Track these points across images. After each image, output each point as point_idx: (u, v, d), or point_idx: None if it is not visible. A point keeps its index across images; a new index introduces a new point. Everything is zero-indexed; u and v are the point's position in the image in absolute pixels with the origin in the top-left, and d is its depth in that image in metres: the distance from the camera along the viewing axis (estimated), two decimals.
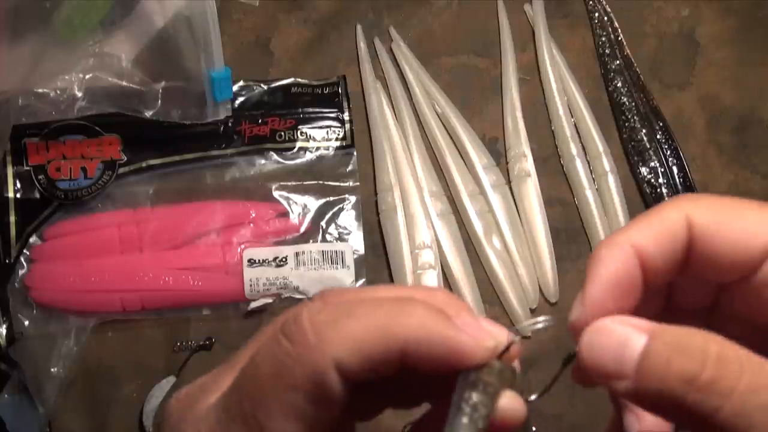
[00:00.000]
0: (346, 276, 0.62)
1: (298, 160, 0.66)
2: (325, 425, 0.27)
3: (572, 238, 0.65)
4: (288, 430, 0.27)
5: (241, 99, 0.66)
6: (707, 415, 0.24)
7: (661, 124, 0.68)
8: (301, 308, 0.28)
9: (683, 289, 0.31)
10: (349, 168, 0.66)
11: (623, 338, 0.26)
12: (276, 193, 0.64)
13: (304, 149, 0.66)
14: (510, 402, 0.27)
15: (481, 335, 0.28)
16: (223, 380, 0.30)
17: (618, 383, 0.25)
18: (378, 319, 0.27)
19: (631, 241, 0.28)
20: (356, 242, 0.64)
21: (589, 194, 0.65)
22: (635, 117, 0.68)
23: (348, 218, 0.65)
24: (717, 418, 0.24)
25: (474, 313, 0.30)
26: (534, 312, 0.63)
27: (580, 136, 0.67)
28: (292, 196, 0.65)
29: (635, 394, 0.25)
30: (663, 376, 0.24)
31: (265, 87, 0.67)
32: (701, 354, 0.24)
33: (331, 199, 0.65)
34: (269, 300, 0.61)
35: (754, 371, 0.24)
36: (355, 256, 0.63)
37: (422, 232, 0.63)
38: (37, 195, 0.62)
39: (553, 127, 0.68)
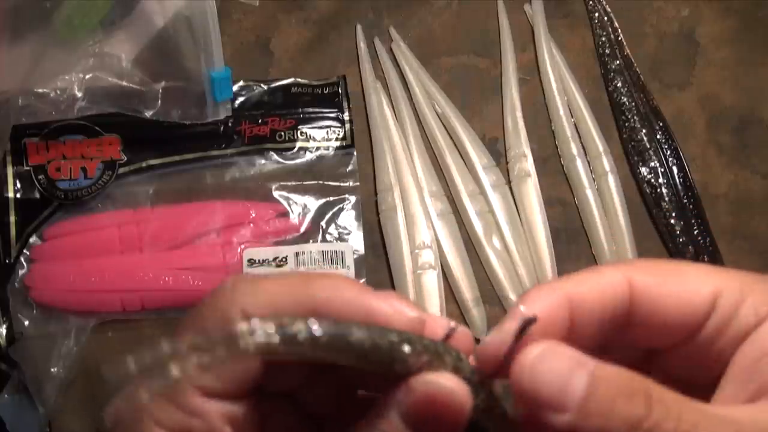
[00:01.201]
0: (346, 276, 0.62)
1: (298, 160, 0.66)
2: (237, 381, 0.28)
3: (572, 238, 0.65)
4: (197, 380, 0.28)
5: (241, 99, 0.66)
6: None
7: (661, 124, 0.68)
8: (226, 279, 0.30)
9: (615, 353, 0.30)
10: (349, 168, 0.66)
11: (568, 369, 0.25)
12: (276, 193, 0.64)
13: (304, 149, 0.66)
14: (441, 379, 0.26)
15: (403, 307, 0.28)
16: None
17: (556, 415, 0.24)
18: (292, 281, 0.28)
19: (566, 290, 0.28)
20: (356, 242, 0.64)
21: (589, 194, 0.65)
22: (635, 117, 0.68)
23: (348, 218, 0.65)
24: None
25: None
26: None
27: (580, 136, 0.67)
28: (292, 196, 0.65)
29: (571, 429, 0.24)
30: (607, 417, 0.24)
31: (265, 87, 0.67)
32: (645, 398, 0.24)
33: (331, 199, 0.65)
34: None
35: (691, 412, 0.25)
36: (355, 256, 0.63)
37: (422, 232, 0.63)
38: (37, 195, 0.62)
39: (553, 127, 0.68)
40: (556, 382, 0.25)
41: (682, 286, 0.28)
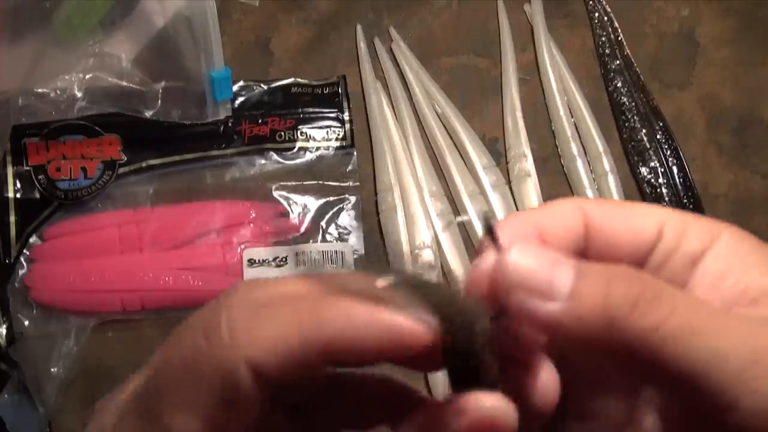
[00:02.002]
0: None
1: (298, 160, 0.66)
2: (232, 429, 0.26)
3: None
4: (189, 428, 0.25)
5: (241, 99, 0.66)
6: (644, 336, 0.23)
7: (661, 124, 0.68)
8: (218, 305, 0.27)
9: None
10: (349, 168, 0.66)
11: (555, 259, 0.24)
12: (276, 193, 0.64)
13: (304, 149, 0.66)
14: (495, 402, 0.25)
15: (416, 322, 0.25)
16: (134, 380, 0.29)
17: (545, 305, 0.23)
18: (297, 317, 0.25)
19: (535, 221, 0.27)
20: (356, 242, 0.64)
21: (590, 194, 0.65)
22: (635, 117, 0.68)
23: (348, 218, 0.65)
24: (655, 336, 0.23)
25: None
26: None
27: (580, 136, 0.67)
28: (292, 196, 0.65)
29: (562, 319, 0.24)
30: (604, 298, 0.24)
31: (265, 87, 0.67)
32: (639, 279, 0.24)
33: (331, 199, 0.65)
34: None
35: (684, 295, 0.25)
36: (355, 256, 0.63)
37: (422, 232, 0.63)
38: (37, 195, 0.62)
39: (553, 127, 0.68)
40: (543, 270, 0.24)
41: (631, 216, 0.28)
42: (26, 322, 0.61)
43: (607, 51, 0.70)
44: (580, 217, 0.27)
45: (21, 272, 0.61)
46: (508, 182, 0.66)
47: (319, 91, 0.67)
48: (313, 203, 0.65)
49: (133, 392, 0.28)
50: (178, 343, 0.27)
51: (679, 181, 0.66)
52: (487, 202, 0.65)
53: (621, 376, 0.28)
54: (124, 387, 0.29)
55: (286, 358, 0.25)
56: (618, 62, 0.69)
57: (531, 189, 0.65)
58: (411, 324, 0.25)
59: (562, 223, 0.27)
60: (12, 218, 0.62)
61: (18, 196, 0.62)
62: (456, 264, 0.64)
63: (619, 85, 0.69)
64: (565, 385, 0.27)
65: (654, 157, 0.67)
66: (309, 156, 0.66)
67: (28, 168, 0.62)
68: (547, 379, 0.26)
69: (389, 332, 0.25)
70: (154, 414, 0.26)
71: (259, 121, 0.66)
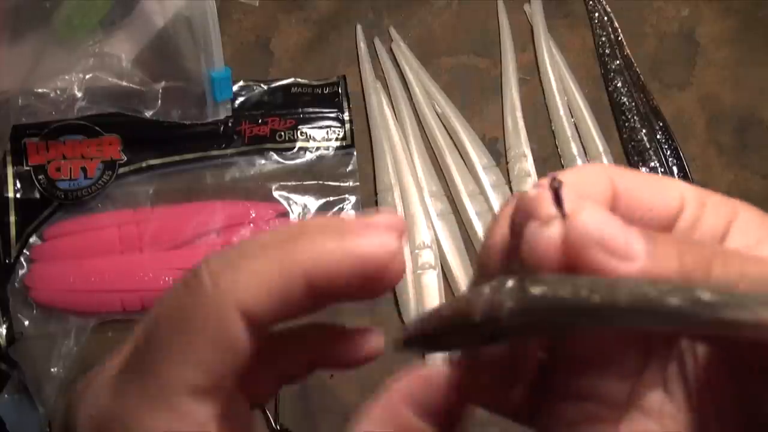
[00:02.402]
0: None
1: (298, 160, 0.66)
2: (228, 377, 0.26)
3: None
4: (189, 380, 0.25)
5: (241, 99, 0.66)
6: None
7: (661, 124, 0.68)
8: (195, 266, 0.27)
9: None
10: (349, 168, 0.66)
11: (622, 222, 0.24)
12: (276, 193, 0.64)
13: (304, 149, 0.66)
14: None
15: (382, 230, 0.26)
16: (122, 351, 0.28)
17: (624, 265, 0.23)
18: (274, 254, 0.26)
19: (571, 182, 0.26)
20: None
21: None
22: (635, 117, 0.68)
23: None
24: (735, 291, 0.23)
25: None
26: None
27: (580, 136, 0.67)
28: (292, 196, 0.65)
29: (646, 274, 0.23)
30: (679, 258, 0.23)
31: (265, 87, 0.67)
32: (704, 244, 0.25)
33: (331, 199, 0.65)
34: None
35: (749, 256, 0.25)
36: None
37: (422, 232, 0.63)
38: (37, 195, 0.62)
39: (553, 127, 0.68)
40: (618, 231, 0.23)
41: (655, 185, 0.28)
42: (26, 322, 0.61)
43: (607, 51, 0.70)
44: (609, 183, 0.27)
45: (21, 272, 0.61)
46: (508, 182, 0.66)
47: (319, 91, 0.67)
48: (313, 203, 0.65)
49: (125, 360, 0.27)
50: (164, 304, 0.27)
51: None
52: (487, 202, 0.65)
53: (626, 354, 0.28)
54: (98, 369, 0.29)
55: (271, 296, 0.25)
56: (618, 62, 0.70)
57: None
58: (376, 243, 0.26)
59: (594, 189, 0.27)
60: (12, 218, 0.62)
61: (18, 196, 0.62)
62: (456, 264, 0.64)
63: (619, 85, 0.69)
64: (561, 365, 0.27)
65: (654, 157, 0.67)
66: (309, 156, 0.66)
67: (28, 168, 0.62)
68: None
69: (358, 255, 0.26)
70: (151, 372, 0.26)
71: (259, 121, 0.66)
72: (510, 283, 0.23)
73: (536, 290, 0.22)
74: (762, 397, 0.24)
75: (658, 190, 0.27)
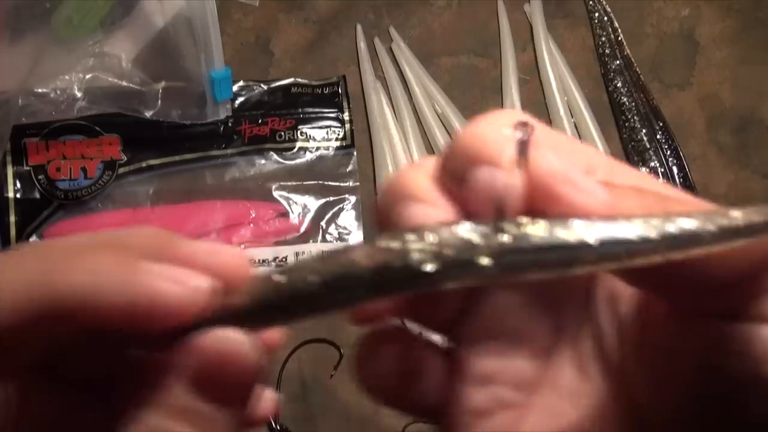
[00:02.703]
0: None
1: (298, 160, 0.66)
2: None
3: None
4: None
5: (241, 99, 0.66)
6: None
7: (661, 124, 0.68)
8: None
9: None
10: (349, 168, 0.66)
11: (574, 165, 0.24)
12: (276, 193, 0.64)
13: (304, 149, 0.66)
14: (228, 334, 0.23)
15: (188, 274, 0.22)
16: None
17: (589, 198, 0.23)
18: (36, 269, 0.22)
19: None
20: (356, 242, 0.64)
21: None
22: (635, 117, 0.68)
23: (348, 218, 0.65)
24: None
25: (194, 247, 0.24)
26: None
27: (580, 136, 0.67)
28: (292, 196, 0.65)
29: (602, 212, 0.23)
30: (638, 196, 0.24)
31: (265, 87, 0.67)
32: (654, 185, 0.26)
33: (331, 199, 0.65)
34: None
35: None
36: None
37: None
38: (37, 195, 0.62)
39: (553, 127, 0.68)
40: (579, 173, 0.23)
41: (567, 145, 0.27)
42: None
43: (607, 51, 0.70)
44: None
45: None
46: None
47: (319, 91, 0.67)
48: (313, 203, 0.65)
49: None
50: None
51: (679, 181, 0.66)
52: None
53: (534, 331, 0.27)
54: None
55: (16, 315, 0.22)
56: (618, 62, 0.70)
57: None
58: (168, 287, 0.22)
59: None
60: (12, 218, 0.62)
61: (18, 196, 0.62)
62: None
63: (619, 85, 0.69)
64: (466, 346, 0.26)
65: (654, 157, 0.67)
66: (309, 156, 0.66)
67: (28, 168, 0.62)
68: None
69: (140, 296, 0.22)
70: None
71: (259, 121, 0.66)
72: (480, 229, 0.22)
73: (514, 233, 0.22)
74: (717, 352, 0.23)
75: (570, 150, 0.26)
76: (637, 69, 0.69)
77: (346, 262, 0.23)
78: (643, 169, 0.67)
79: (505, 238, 0.22)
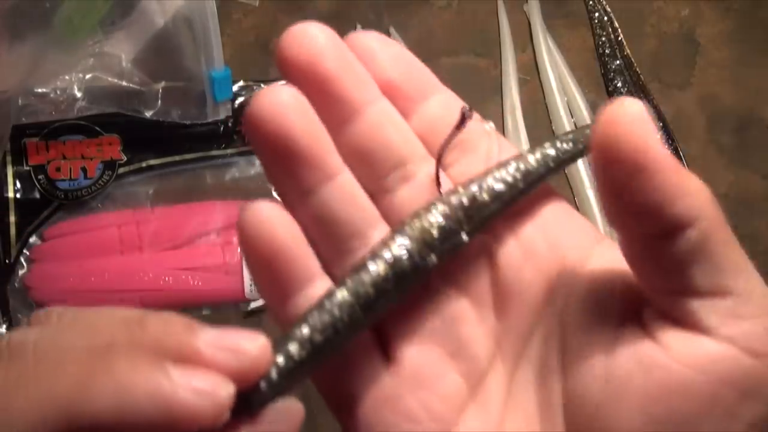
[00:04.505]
0: None
1: None
2: None
3: None
4: None
5: (241, 99, 0.66)
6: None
7: (661, 124, 0.68)
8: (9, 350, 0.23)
9: None
10: None
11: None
12: (276, 193, 0.64)
13: None
14: None
15: (210, 384, 0.22)
16: None
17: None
18: (62, 385, 0.21)
19: None
20: None
21: (590, 194, 0.65)
22: None
23: None
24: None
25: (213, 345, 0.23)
26: None
27: None
28: None
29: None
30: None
31: (266, 87, 0.67)
32: None
33: None
34: None
35: None
36: None
37: None
38: (37, 195, 0.62)
39: (553, 127, 0.68)
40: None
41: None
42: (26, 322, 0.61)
43: (607, 51, 0.70)
44: None
45: (21, 272, 0.61)
46: None
47: None
48: None
49: None
50: None
51: None
52: None
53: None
54: None
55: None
56: (618, 62, 0.70)
57: None
58: (195, 400, 0.21)
59: None
60: (12, 218, 0.62)
61: (18, 196, 0.62)
62: None
63: (619, 85, 0.69)
64: (433, 309, 0.28)
65: None
66: None
67: (28, 168, 0.62)
68: None
69: (167, 410, 0.21)
70: None
71: None
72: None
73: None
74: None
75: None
76: (637, 69, 0.69)
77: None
78: None
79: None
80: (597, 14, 0.71)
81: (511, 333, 0.28)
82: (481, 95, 0.69)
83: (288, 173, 0.29)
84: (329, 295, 0.26)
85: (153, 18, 0.62)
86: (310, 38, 0.30)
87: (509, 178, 0.28)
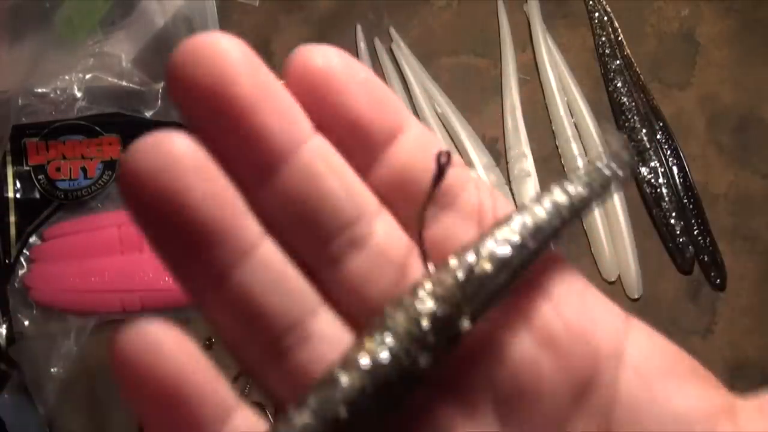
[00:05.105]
0: None
1: None
2: None
3: (572, 238, 0.65)
4: None
5: None
6: None
7: (661, 124, 0.68)
8: None
9: None
10: None
11: None
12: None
13: None
14: None
15: None
16: None
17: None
18: None
19: None
20: None
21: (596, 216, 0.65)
22: (635, 117, 0.68)
23: None
24: None
25: None
26: None
27: (580, 136, 0.67)
28: None
29: None
30: None
31: None
32: None
33: None
34: None
35: None
36: None
37: None
38: (37, 195, 0.62)
39: (553, 127, 0.68)
40: None
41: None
42: (26, 322, 0.61)
43: (607, 51, 0.70)
44: None
45: (21, 272, 0.61)
46: (508, 182, 0.66)
47: None
48: None
49: None
50: None
51: (679, 181, 0.66)
52: None
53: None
54: None
55: None
56: (618, 62, 0.69)
57: (531, 189, 0.65)
58: None
59: None
60: (12, 218, 0.62)
61: (18, 196, 0.62)
62: None
63: (619, 85, 0.69)
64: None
65: (654, 157, 0.67)
66: None
67: (28, 168, 0.62)
68: None
69: None
70: None
71: None
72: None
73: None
74: None
75: None
76: (637, 69, 0.69)
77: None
78: (643, 169, 0.67)
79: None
80: (597, 14, 0.71)
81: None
82: (481, 95, 0.69)
83: (187, 256, 0.22)
84: (286, 421, 0.19)
85: (153, 18, 0.62)
86: (217, 53, 0.20)
87: (515, 238, 0.22)
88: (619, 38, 0.70)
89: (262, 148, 0.21)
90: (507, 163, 0.67)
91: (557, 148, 0.68)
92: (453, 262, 0.21)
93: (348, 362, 0.20)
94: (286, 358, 0.21)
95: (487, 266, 0.21)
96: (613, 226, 0.65)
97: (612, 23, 0.71)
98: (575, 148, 0.67)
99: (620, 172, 0.24)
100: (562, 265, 0.24)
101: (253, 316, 0.21)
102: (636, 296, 0.63)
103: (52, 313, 0.61)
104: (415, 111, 0.68)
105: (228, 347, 0.22)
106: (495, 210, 0.23)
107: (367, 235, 0.22)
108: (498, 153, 0.67)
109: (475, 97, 0.69)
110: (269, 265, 0.21)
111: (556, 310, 0.22)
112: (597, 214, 0.65)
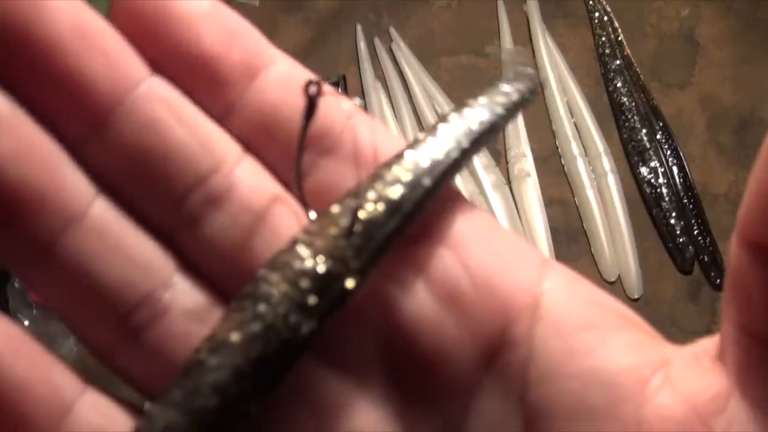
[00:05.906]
0: None
1: None
2: None
3: (572, 238, 0.65)
4: None
5: None
6: None
7: (661, 124, 0.68)
8: None
9: None
10: None
11: None
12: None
13: None
14: None
15: None
16: None
17: None
18: None
19: None
20: None
21: (590, 194, 0.65)
22: (635, 117, 0.68)
23: None
24: None
25: None
26: None
27: (580, 136, 0.67)
28: None
29: None
30: None
31: None
32: None
33: None
34: None
35: None
36: None
37: None
38: None
39: (553, 127, 0.68)
40: None
41: None
42: (26, 322, 0.60)
43: (607, 51, 0.70)
44: None
45: None
46: (508, 182, 0.66)
47: None
48: None
49: None
50: None
51: (679, 181, 0.66)
52: (487, 202, 0.65)
53: None
54: None
55: None
56: (618, 62, 0.69)
57: (531, 189, 0.65)
58: None
59: None
60: None
61: None
62: None
63: (619, 85, 0.69)
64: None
65: (654, 157, 0.67)
66: None
67: None
68: None
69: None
70: None
71: None
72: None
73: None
74: None
75: None
76: (637, 69, 0.69)
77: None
78: (643, 169, 0.67)
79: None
80: (597, 14, 0.71)
81: (432, 415, 0.19)
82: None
83: (6, 229, 0.17)
84: (148, 418, 0.17)
85: None
86: None
87: (408, 177, 0.18)
88: (619, 38, 0.70)
89: (81, 95, 0.17)
90: (507, 163, 0.67)
91: (557, 148, 0.68)
92: (335, 209, 0.18)
93: (215, 340, 0.17)
94: (138, 338, 0.19)
95: (376, 211, 0.18)
96: (613, 226, 0.65)
97: (612, 23, 0.71)
98: (575, 148, 0.67)
99: (525, 92, 0.21)
100: (465, 204, 0.20)
101: (92, 293, 0.18)
102: (636, 296, 0.63)
103: (52, 313, 0.61)
104: (415, 111, 0.68)
105: (72, 331, 0.19)
106: (380, 147, 0.19)
107: (228, 188, 0.19)
108: (498, 153, 0.67)
109: (474, 97, 0.69)
110: (105, 231, 0.18)
111: (459, 259, 0.19)
112: (597, 214, 0.65)
